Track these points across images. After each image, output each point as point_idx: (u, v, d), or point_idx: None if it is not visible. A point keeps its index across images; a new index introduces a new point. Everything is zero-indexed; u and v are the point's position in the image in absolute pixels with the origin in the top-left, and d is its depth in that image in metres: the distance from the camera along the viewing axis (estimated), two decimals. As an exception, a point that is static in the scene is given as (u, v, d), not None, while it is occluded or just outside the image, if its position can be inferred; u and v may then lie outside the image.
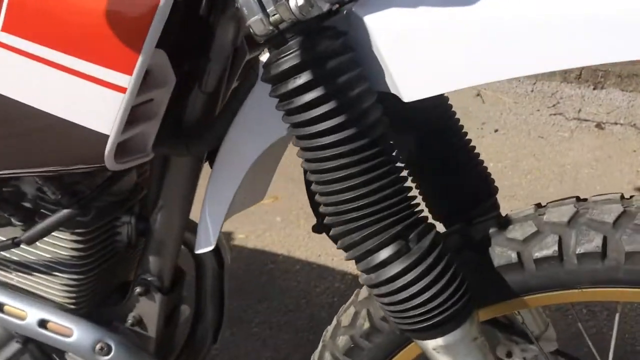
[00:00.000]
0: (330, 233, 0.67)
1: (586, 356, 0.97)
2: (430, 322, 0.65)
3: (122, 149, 0.72)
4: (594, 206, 0.70)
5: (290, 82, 0.61)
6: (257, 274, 1.88)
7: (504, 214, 0.78)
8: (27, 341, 0.91)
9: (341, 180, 0.63)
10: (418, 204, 0.67)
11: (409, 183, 0.70)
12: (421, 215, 0.67)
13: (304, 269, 1.88)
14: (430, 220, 0.70)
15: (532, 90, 2.55)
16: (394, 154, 0.65)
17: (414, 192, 0.77)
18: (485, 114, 2.47)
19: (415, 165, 0.83)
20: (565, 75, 2.52)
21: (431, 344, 0.68)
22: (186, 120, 0.80)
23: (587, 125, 2.33)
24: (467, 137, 0.84)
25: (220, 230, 0.81)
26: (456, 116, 0.84)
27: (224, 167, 0.77)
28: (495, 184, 0.87)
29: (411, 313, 0.65)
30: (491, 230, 0.73)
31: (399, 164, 0.66)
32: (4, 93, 0.67)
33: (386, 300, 0.66)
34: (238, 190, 0.84)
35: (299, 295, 1.78)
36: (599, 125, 2.32)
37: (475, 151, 0.85)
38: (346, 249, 0.66)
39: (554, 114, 2.41)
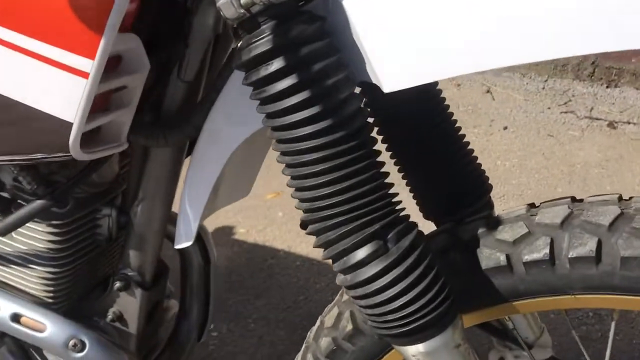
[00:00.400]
0: (307, 230, 0.63)
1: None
2: (409, 327, 0.61)
3: (93, 137, 0.69)
4: (589, 207, 0.66)
5: (262, 69, 0.57)
6: (257, 269, 1.85)
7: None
8: (3, 335, 0.88)
9: (316, 175, 0.59)
10: (399, 202, 0.63)
11: (396, 180, 0.66)
12: (402, 214, 0.63)
13: (304, 265, 1.85)
14: (421, 220, 0.66)
15: (543, 88, 2.49)
16: (374, 147, 0.61)
17: (404, 190, 0.73)
18: (494, 111, 2.42)
19: (404, 161, 0.79)
20: (577, 73, 2.46)
21: (411, 350, 0.64)
22: (164, 109, 0.76)
23: (599, 124, 2.27)
24: (461, 132, 0.80)
25: (199, 224, 0.78)
26: (449, 110, 0.80)
27: (202, 158, 0.74)
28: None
29: (389, 317, 0.61)
30: (480, 231, 0.69)
31: (379, 159, 0.62)
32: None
33: (363, 302, 0.63)
34: (220, 183, 0.81)
35: (297, 292, 1.75)
36: (611, 124, 2.26)
37: (471, 147, 0.81)
38: (322, 247, 0.63)
39: (565, 112, 2.35)
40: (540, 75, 2.52)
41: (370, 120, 0.62)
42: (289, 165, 0.61)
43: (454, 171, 0.79)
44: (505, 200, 1.90)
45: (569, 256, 0.64)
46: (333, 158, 0.58)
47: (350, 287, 0.63)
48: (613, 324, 0.72)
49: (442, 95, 0.79)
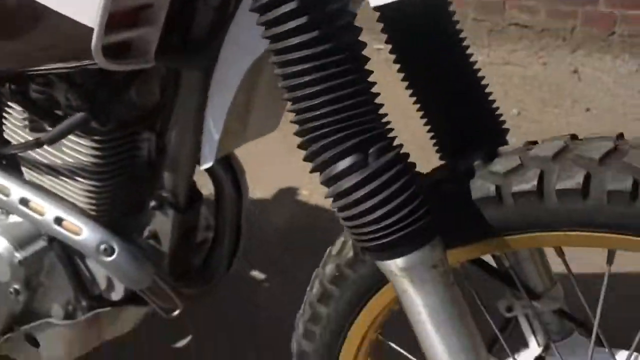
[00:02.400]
0: (297, 144, 0.66)
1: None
2: (386, 240, 0.63)
3: (123, 53, 0.75)
4: (585, 143, 0.65)
5: None
6: (316, 231, 1.90)
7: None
8: (52, 240, 0.98)
9: (305, 86, 0.62)
10: (388, 122, 0.65)
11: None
12: (389, 135, 0.65)
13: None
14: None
15: (636, 71, 2.36)
16: (365, 66, 0.63)
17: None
18: (579, 92, 2.32)
19: (418, 92, 0.80)
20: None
21: (390, 267, 0.66)
22: (191, 33, 0.81)
23: (692, 112, 2.13)
24: (476, 67, 0.80)
25: (218, 143, 0.83)
26: (464, 40, 0.79)
27: (218, 82, 0.79)
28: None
29: (366, 229, 0.64)
30: (476, 163, 0.70)
31: (370, 79, 0.64)
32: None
33: (344, 214, 0.65)
34: (249, 116, 0.86)
35: (353, 254, 1.77)
36: None
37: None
38: (310, 159, 0.66)
39: (657, 98, 2.22)
40: (634, 58, 2.39)
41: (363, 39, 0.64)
42: (284, 87, 0.64)
43: (467, 108, 0.79)
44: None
45: (556, 188, 0.63)
46: (320, 69, 0.61)
47: (334, 199, 0.65)
48: (608, 267, 0.70)
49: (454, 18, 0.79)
